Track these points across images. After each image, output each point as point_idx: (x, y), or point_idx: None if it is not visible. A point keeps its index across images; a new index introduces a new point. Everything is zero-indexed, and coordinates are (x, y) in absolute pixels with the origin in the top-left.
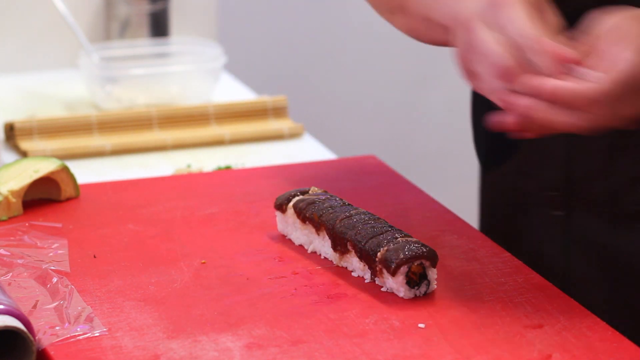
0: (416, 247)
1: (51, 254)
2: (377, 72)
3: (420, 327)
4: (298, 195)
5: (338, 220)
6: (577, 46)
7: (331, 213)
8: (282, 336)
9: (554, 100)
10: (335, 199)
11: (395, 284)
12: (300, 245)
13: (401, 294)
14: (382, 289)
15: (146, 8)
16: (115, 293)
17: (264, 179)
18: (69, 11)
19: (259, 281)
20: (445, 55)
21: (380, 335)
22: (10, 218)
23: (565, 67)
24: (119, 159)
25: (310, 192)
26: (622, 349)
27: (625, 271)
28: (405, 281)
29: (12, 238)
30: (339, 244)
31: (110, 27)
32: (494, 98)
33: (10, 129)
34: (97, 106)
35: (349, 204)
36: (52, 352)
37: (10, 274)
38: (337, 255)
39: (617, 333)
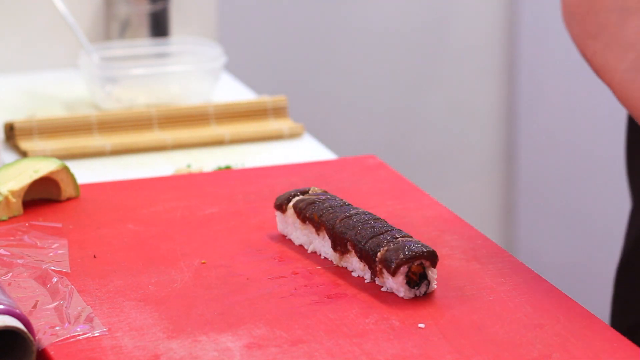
0: (416, 247)
1: (51, 254)
2: (377, 72)
3: (420, 327)
4: (298, 195)
5: (338, 220)
6: None
7: (331, 213)
8: (282, 336)
9: None
10: (335, 199)
11: (395, 284)
12: (300, 245)
13: (401, 294)
14: (382, 289)
15: (146, 8)
16: (115, 293)
17: (264, 179)
18: (69, 11)
19: (259, 281)
20: (445, 56)
21: (380, 335)
22: (10, 218)
23: None
24: (119, 159)
25: (310, 192)
26: (622, 349)
27: None
28: (405, 281)
29: (12, 238)
30: (339, 244)
31: (110, 27)
32: None
33: (10, 129)
34: (97, 106)
35: (349, 204)
36: (52, 352)
37: (10, 274)
38: (337, 255)
39: (617, 333)
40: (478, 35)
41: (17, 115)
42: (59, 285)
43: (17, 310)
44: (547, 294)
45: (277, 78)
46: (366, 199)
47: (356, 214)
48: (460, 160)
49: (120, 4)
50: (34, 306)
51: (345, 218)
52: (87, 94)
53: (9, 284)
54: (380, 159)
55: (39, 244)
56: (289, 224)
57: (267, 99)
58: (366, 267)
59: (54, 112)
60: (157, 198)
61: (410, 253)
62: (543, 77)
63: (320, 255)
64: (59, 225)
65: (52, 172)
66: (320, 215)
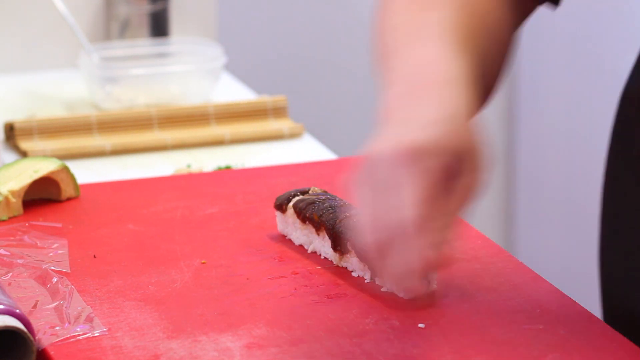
0: None
1: (51, 254)
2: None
3: (420, 327)
4: (298, 195)
5: (338, 220)
6: None
7: (331, 213)
8: (282, 336)
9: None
10: (335, 199)
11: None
12: (300, 245)
13: (401, 294)
14: (382, 289)
15: (146, 8)
16: (115, 293)
17: (264, 179)
18: (69, 11)
19: (259, 281)
20: None
21: (380, 335)
22: (10, 218)
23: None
24: (119, 159)
25: (310, 192)
26: (622, 348)
27: None
28: None
29: (12, 238)
30: (339, 244)
31: (110, 27)
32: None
33: (10, 129)
34: (97, 106)
35: (349, 204)
36: (52, 352)
37: (10, 274)
38: (337, 255)
39: (617, 333)
40: None
41: (17, 115)
42: (59, 285)
43: (17, 310)
44: (547, 294)
45: (277, 78)
46: None
47: (356, 214)
48: None
49: (120, 4)
50: (34, 306)
51: (345, 218)
52: (87, 94)
53: (9, 284)
54: None
55: (39, 244)
56: (289, 224)
57: (267, 99)
58: (366, 267)
59: (54, 112)
60: (157, 198)
61: None
62: (543, 77)
63: (320, 255)
64: (59, 225)
65: (52, 172)
66: (320, 215)
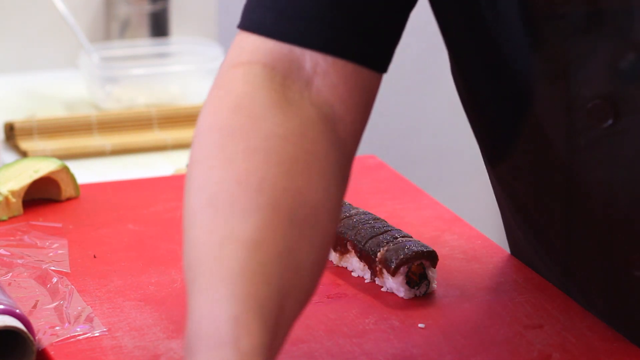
0: (416, 247)
1: (51, 254)
2: None
3: (420, 327)
4: None
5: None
6: None
7: None
8: None
9: None
10: None
11: (395, 284)
12: None
13: (401, 294)
14: (382, 289)
15: (146, 8)
16: (115, 293)
17: None
18: (69, 11)
19: None
20: (445, 56)
21: (380, 335)
22: (10, 218)
23: None
24: (119, 159)
25: None
26: (622, 349)
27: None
28: (405, 281)
29: (12, 238)
30: (339, 244)
31: (110, 27)
32: None
33: (10, 129)
34: (97, 106)
35: (349, 204)
36: (52, 352)
37: (10, 274)
38: (337, 255)
39: (617, 333)
40: None
41: (17, 115)
42: (59, 285)
43: (17, 310)
44: (547, 294)
45: None
46: (366, 199)
47: (356, 214)
48: (460, 160)
49: (120, 4)
50: (34, 306)
51: (345, 218)
52: (87, 94)
53: (9, 284)
54: (380, 159)
55: (39, 244)
56: None
57: None
58: (366, 267)
59: (54, 112)
60: (157, 198)
61: (410, 253)
62: None
63: None
64: (59, 225)
65: (52, 172)
66: None
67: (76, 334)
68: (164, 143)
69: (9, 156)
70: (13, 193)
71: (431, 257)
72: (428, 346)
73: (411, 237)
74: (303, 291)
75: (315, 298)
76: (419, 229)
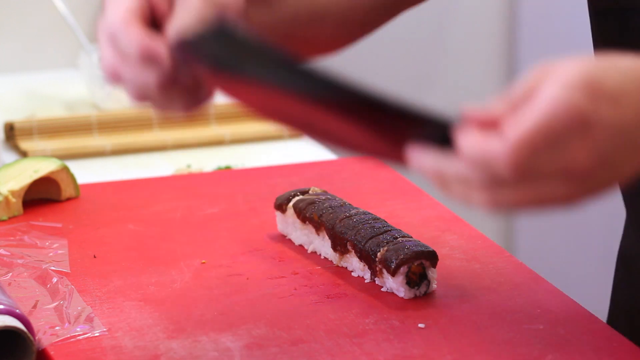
0: (416, 247)
1: (51, 254)
2: (377, 72)
3: (420, 327)
4: (298, 195)
5: (338, 220)
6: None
7: (331, 213)
8: (282, 336)
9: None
10: (335, 199)
11: (395, 284)
12: (300, 245)
13: (401, 294)
14: (382, 289)
15: None
16: (115, 293)
17: (264, 179)
18: (69, 11)
19: (259, 281)
20: (445, 55)
21: (380, 335)
22: (10, 218)
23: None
24: (119, 159)
25: (310, 192)
26: (622, 349)
27: None
28: (405, 281)
29: (12, 238)
30: (339, 244)
31: None
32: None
33: (10, 129)
34: (97, 106)
35: (349, 204)
36: (52, 352)
37: (10, 274)
38: (337, 255)
39: (617, 333)
40: (478, 35)
41: (17, 115)
42: (59, 285)
43: (17, 310)
44: (547, 294)
45: None
46: (366, 199)
47: (356, 214)
48: None
49: None
50: (34, 306)
51: (345, 218)
52: (87, 94)
53: (9, 284)
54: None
55: (39, 244)
56: (289, 224)
57: None
58: (366, 267)
59: (54, 112)
60: (157, 198)
61: (410, 253)
62: None
63: (320, 255)
64: (59, 225)
65: (52, 172)
66: (320, 215)
67: (76, 334)
68: (164, 143)
69: (9, 156)
70: (13, 193)
71: (431, 257)
72: (428, 346)
73: (411, 237)
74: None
75: (315, 298)
76: (419, 229)
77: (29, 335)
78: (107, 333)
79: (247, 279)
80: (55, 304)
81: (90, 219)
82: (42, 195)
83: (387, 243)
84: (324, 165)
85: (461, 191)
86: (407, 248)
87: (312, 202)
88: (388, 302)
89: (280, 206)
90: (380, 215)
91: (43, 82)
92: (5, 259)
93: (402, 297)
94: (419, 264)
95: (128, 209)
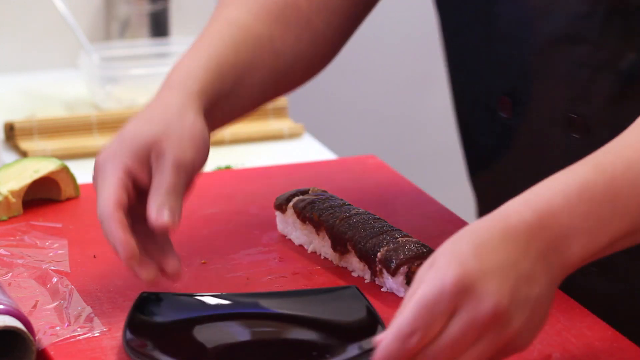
0: (416, 247)
1: (51, 254)
2: (377, 72)
3: None
4: (298, 195)
5: (338, 220)
6: None
7: (331, 213)
8: None
9: None
10: (335, 199)
11: (395, 284)
12: (300, 245)
13: (401, 294)
14: (382, 289)
15: (146, 8)
16: (115, 293)
17: (264, 179)
18: (69, 11)
19: (259, 281)
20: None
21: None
22: (10, 218)
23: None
24: None
25: (310, 192)
26: (622, 349)
27: None
28: (405, 281)
29: (12, 238)
30: (339, 244)
31: (110, 27)
32: None
33: (10, 129)
34: (97, 106)
35: (349, 204)
36: (52, 352)
37: (10, 274)
38: (337, 255)
39: (617, 333)
40: None
41: (17, 115)
42: (59, 285)
43: (17, 311)
44: None
45: None
46: (366, 199)
47: (356, 214)
48: (460, 160)
49: (120, 4)
50: (34, 306)
51: (345, 218)
52: (87, 94)
53: (9, 284)
54: (380, 159)
55: (39, 244)
56: (289, 224)
57: None
58: (366, 267)
59: (54, 112)
60: None
61: (410, 253)
62: None
63: (320, 255)
64: (59, 225)
65: (52, 172)
66: (320, 215)
67: (76, 334)
68: None
69: (9, 156)
70: (13, 193)
71: None
72: None
73: (411, 237)
74: (280, 73)
75: None
76: (419, 229)
77: (29, 335)
78: (107, 333)
79: (247, 279)
80: (55, 304)
81: (90, 219)
82: (42, 195)
83: (387, 243)
84: (324, 165)
85: None
86: (407, 248)
87: (312, 202)
88: (388, 302)
89: (280, 206)
90: (380, 215)
91: (43, 82)
92: (5, 259)
93: (402, 297)
94: (419, 264)
95: None
